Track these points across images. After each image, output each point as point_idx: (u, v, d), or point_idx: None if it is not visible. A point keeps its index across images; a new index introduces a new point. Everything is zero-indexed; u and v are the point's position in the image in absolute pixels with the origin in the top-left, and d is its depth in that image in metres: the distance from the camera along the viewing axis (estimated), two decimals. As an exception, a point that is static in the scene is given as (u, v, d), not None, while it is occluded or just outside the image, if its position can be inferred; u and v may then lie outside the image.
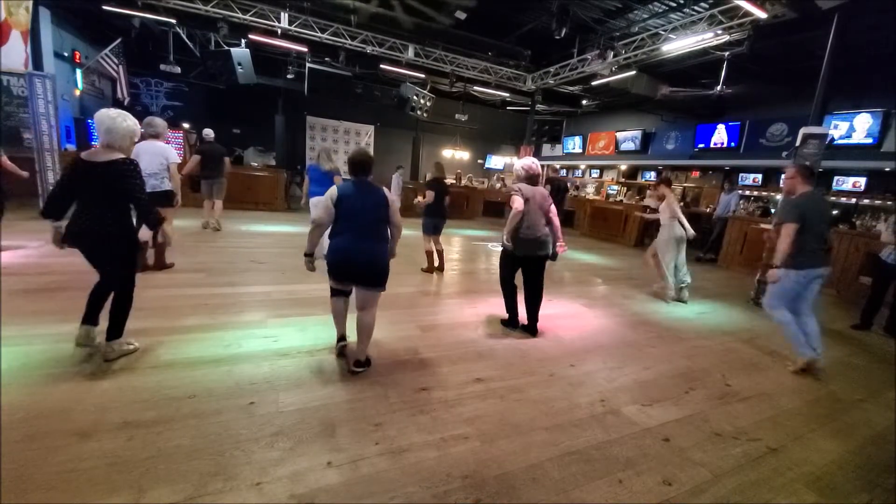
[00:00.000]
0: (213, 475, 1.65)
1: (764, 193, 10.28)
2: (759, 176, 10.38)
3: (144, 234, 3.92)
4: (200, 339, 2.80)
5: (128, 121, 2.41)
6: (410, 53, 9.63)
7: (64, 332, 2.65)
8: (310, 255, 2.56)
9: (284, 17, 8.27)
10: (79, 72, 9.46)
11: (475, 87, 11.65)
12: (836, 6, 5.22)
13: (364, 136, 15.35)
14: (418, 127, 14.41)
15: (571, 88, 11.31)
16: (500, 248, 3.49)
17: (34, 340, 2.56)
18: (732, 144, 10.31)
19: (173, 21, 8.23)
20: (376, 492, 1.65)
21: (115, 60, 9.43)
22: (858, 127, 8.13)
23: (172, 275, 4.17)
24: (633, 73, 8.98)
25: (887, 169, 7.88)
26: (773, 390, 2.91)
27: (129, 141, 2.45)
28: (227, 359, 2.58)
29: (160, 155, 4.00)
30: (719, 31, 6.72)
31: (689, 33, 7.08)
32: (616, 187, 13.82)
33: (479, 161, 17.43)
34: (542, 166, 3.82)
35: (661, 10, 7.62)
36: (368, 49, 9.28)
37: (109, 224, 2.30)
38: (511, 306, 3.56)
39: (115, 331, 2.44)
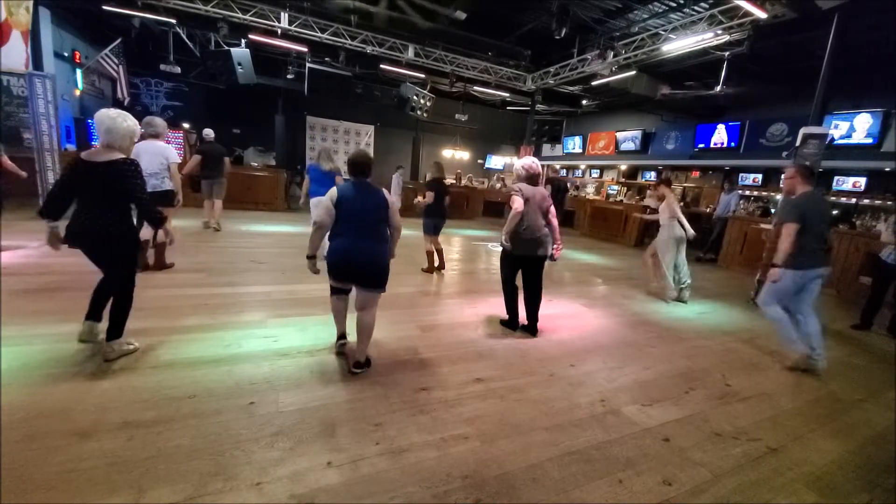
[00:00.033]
0: (213, 475, 1.65)
1: (764, 193, 10.28)
2: (759, 176, 10.38)
3: (145, 233, 3.93)
4: (200, 339, 2.80)
5: (128, 121, 2.41)
6: (410, 53, 9.63)
7: (64, 332, 2.66)
8: (312, 258, 2.56)
9: (284, 17, 8.27)
10: (79, 72, 9.46)
11: (475, 87, 11.65)
12: (836, 6, 5.22)
13: (364, 136, 15.35)
14: (418, 127, 14.41)
15: (571, 88, 11.31)
16: (500, 249, 3.49)
17: (34, 340, 2.56)
18: (732, 144, 10.31)
19: (173, 21, 8.22)
20: (376, 492, 1.65)
21: (115, 60, 9.43)
22: (858, 127, 8.12)
23: (172, 275, 4.17)
24: (633, 73, 8.98)
25: (887, 169, 7.88)
26: (773, 390, 2.91)
27: (129, 141, 2.45)
28: (227, 359, 2.58)
29: (160, 155, 4.00)
30: (719, 31, 6.72)
31: (689, 33, 7.08)
32: (616, 187, 13.82)
33: (479, 161, 17.43)
34: (543, 166, 3.82)
35: (661, 10, 7.62)
36: (368, 49, 9.28)
37: (110, 224, 2.30)
38: (511, 307, 3.55)
39: (115, 331, 2.44)
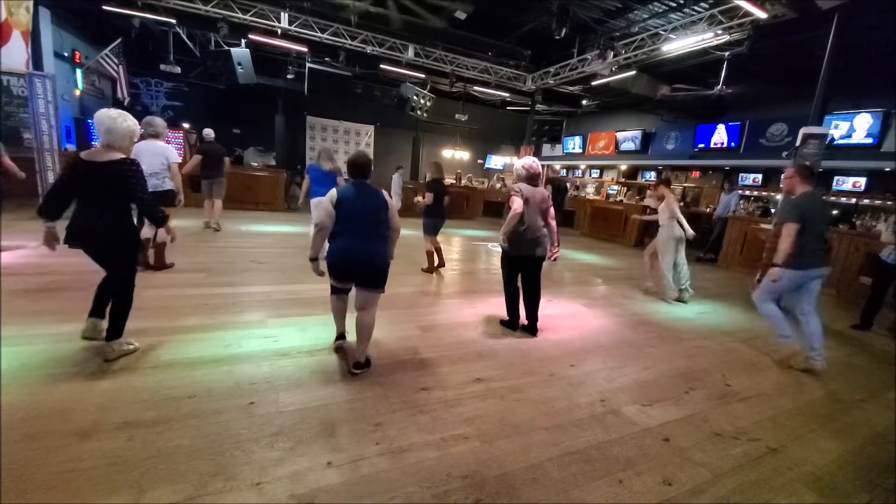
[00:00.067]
0: (213, 475, 1.65)
1: (764, 193, 10.29)
2: (759, 176, 10.39)
3: (145, 232, 3.94)
4: (200, 339, 2.80)
5: (128, 121, 2.41)
6: (410, 53, 9.63)
7: (64, 332, 2.66)
8: (315, 260, 2.56)
9: (284, 17, 8.28)
10: (79, 72, 9.46)
11: (475, 87, 11.65)
12: (836, 6, 5.23)
13: (364, 136, 15.35)
14: (418, 127, 14.41)
15: (571, 88, 11.32)
16: (500, 249, 3.50)
17: (34, 340, 2.56)
18: (732, 144, 10.31)
19: (173, 21, 8.23)
20: (376, 492, 1.65)
21: (115, 60, 9.43)
22: (858, 127, 8.13)
23: (172, 275, 4.17)
24: (633, 73, 8.98)
25: (887, 169, 7.88)
26: (773, 390, 2.91)
27: (130, 141, 2.45)
28: (227, 359, 2.58)
29: (160, 155, 4.00)
30: (719, 31, 6.72)
31: (689, 33, 7.08)
32: (616, 187, 13.82)
33: (479, 161, 17.44)
34: (543, 166, 3.82)
35: (661, 10, 7.62)
36: (368, 49, 9.28)
37: (110, 224, 2.30)
38: (512, 308, 3.56)
39: (115, 331, 2.44)
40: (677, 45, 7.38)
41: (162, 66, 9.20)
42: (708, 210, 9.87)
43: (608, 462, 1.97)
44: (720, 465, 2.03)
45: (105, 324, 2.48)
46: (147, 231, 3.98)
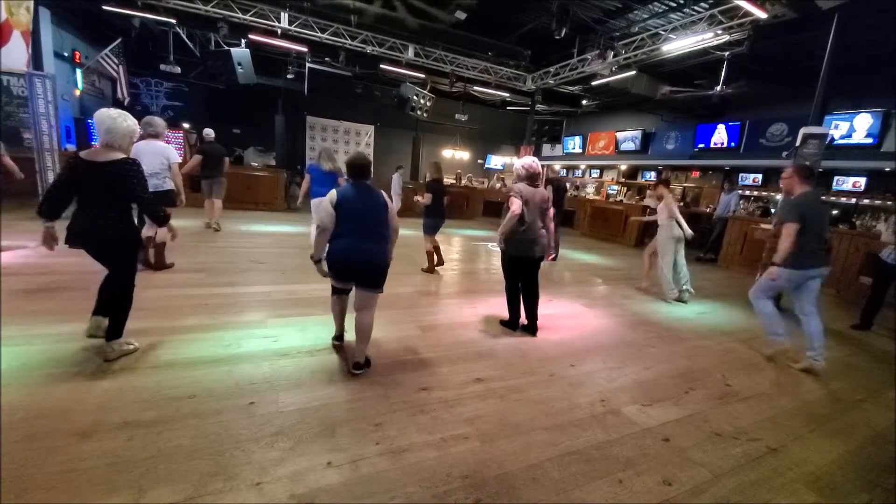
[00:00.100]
0: (213, 475, 1.65)
1: (764, 193, 10.28)
2: (759, 176, 10.38)
3: (145, 231, 3.93)
4: (200, 339, 2.80)
5: (128, 121, 2.41)
6: (410, 53, 9.63)
7: (64, 332, 2.66)
8: (319, 261, 2.56)
9: (284, 17, 8.28)
10: (79, 72, 9.47)
11: (475, 87, 11.65)
12: (836, 6, 5.22)
13: (364, 136, 15.35)
14: (418, 127, 14.41)
15: (571, 88, 11.32)
16: (499, 250, 3.50)
17: (34, 340, 2.56)
18: (732, 144, 10.32)
19: (173, 21, 8.23)
20: (376, 492, 1.65)
21: (115, 60, 9.43)
22: (858, 127, 8.13)
23: (172, 275, 4.17)
24: (633, 73, 8.98)
25: (887, 169, 7.88)
26: (772, 390, 2.91)
27: (129, 140, 2.45)
28: (227, 359, 2.58)
29: (161, 155, 4.00)
30: (719, 31, 6.72)
31: (689, 33, 7.08)
32: (616, 187, 13.82)
33: (479, 161, 17.44)
34: (543, 166, 3.82)
35: (661, 10, 7.62)
36: (368, 49, 9.28)
37: (110, 224, 2.30)
38: (513, 308, 3.56)
39: (115, 331, 2.44)
40: (677, 45, 7.38)
41: (162, 66, 9.20)
42: (708, 210, 9.88)
43: (608, 462, 1.97)
44: (720, 465, 2.03)
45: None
46: (147, 230, 3.98)
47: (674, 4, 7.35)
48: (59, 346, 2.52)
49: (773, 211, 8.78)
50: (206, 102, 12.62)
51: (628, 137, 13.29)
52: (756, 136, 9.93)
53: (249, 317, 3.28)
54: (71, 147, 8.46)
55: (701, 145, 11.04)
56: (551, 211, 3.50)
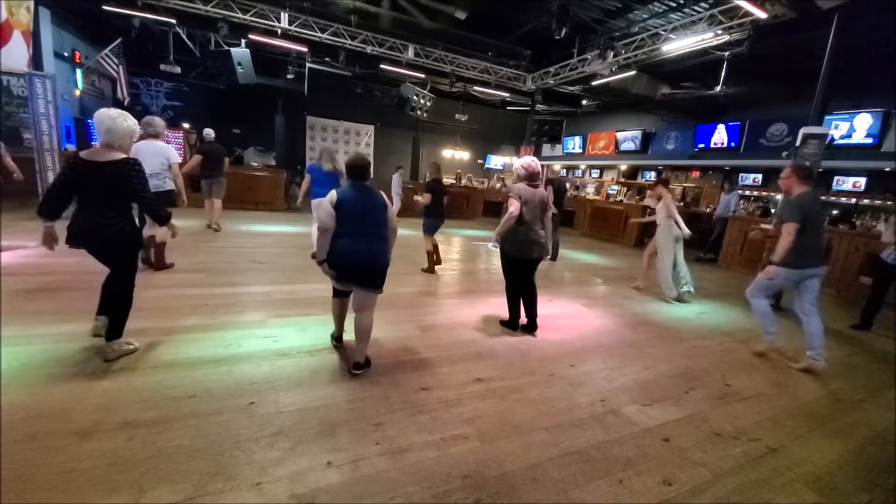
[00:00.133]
0: (213, 475, 1.65)
1: (764, 193, 10.28)
2: (759, 176, 10.39)
3: (146, 230, 3.93)
4: (200, 339, 2.80)
5: (128, 121, 2.41)
6: (410, 53, 9.63)
7: (64, 332, 2.66)
8: (324, 262, 2.52)
9: (284, 17, 8.28)
10: (79, 72, 9.47)
11: (475, 87, 11.65)
12: (836, 6, 5.22)
13: (364, 136, 15.35)
14: (418, 127, 14.41)
15: (571, 88, 11.31)
16: (499, 250, 3.50)
17: (34, 340, 2.56)
18: (732, 144, 10.32)
19: (173, 21, 8.23)
20: (376, 492, 1.65)
21: (115, 60, 9.43)
22: (858, 127, 8.13)
23: (172, 275, 4.17)
24: (633, 73, 8.98)
25: (887, 169, 7.89)
26: (772, 390, 2.91)
27: (129, 140, 2.46)
28: (227, 359, 2.58)
29: (161, 155, 4.00)
30: (719, 31, 6.72)
31: (689, 33, 7.08)
32: (616, 187, 13.82)
33: (479, 161, 17.44)
34: (542, 166, 3.82)
35: (661, 10, 7.62)
36: (368, 49, 9.28)
37: (111, 224, 2.30)
38: (513, 308, 3.56)
39: (115, 331, 2.44)
40: (677, 45, 7.38)
41: (162, 66, 9.20)
42: (708, 210, 9.88)
43: (608, 462, 1.97)
44: (720, 465, 2.03)
45: None
46: (148, 229, 3.98)
47: (674, 4, 7.35)
48: (59, 346, 2.52)
49: (773, 211, 8.77)
50: (206, 102, 12.62)
51: (628, 137, 13.29)
52: (756, 136, 9.93)
53: (249, 317, 3.28)
54: (71, 147, 8.46)
55: (701, 145, 11.04)
56: (550, 212, 3.50)
